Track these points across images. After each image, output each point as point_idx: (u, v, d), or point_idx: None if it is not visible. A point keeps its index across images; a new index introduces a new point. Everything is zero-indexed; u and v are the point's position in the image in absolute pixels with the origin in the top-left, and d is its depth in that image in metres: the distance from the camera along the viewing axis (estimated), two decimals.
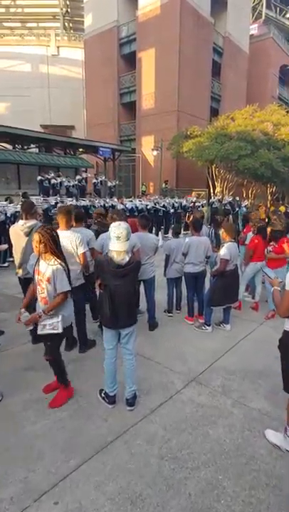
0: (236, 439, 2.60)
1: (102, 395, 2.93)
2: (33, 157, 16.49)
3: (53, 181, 14.10)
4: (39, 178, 13.94)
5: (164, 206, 12.31)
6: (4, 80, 32.63)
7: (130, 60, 24.14)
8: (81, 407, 2.90)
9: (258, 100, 21.04)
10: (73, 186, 14.67)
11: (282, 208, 14.54)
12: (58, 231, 3.47)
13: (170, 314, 5.03)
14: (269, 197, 23.14)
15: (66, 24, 41.53)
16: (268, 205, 17.37)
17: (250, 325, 4.85)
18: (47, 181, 14.05)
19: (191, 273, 4.65)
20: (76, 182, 14.89)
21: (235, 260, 4.34)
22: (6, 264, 8.09)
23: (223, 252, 4.17)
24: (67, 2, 40.68)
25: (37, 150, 19.24)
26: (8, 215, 8.51)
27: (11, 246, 4.21)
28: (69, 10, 41.27)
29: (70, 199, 11.49)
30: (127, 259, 2.52)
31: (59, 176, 14.53)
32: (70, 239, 3.48)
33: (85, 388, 3.16)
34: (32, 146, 19.00)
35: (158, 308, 4.76)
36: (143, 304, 4.40)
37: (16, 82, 32.81)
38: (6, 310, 5.02)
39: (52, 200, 11.03)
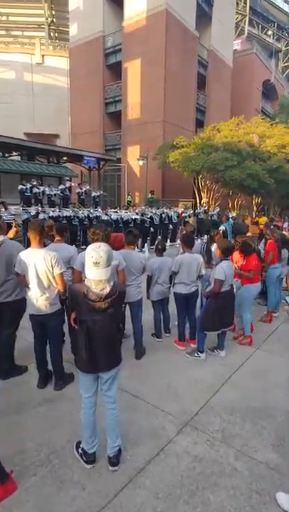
0: (243, 508, 2.13)
1: (80, 451, 2.41)
2: (14, 165, 15.88)
3: (34, 190, 13.52)
4: (20, 186, 13.33)
5: (151, 218, 11.92)
6: None
7: (116, 70, 24.05)
8: (53, 469, 2.36)
9: (241, 113, 21.23)
10: (55, 195, 14.12)
11: (262, 219, 14.45)
12: (30, 250, 2.99)
13: (159, 339, 4.55)
14: (254, 208, 23.26)
15: (51, 34, 41.43)
16: (254, 216, 17.33)
17: (246, 350, 4.43)
18: (28, 190, 13.45)
19: (183, 294, 4.21)
20: (59, 191, 14.34)
21: (230, 280, 3.93)
22: None
23: (217, 271, 3.76)
24: (53, 12, 40.68)
25: (19, 158, 18.64)
26: None
27: None
28: (54, 20, 41.27)
29: (52, 209, 10.93)
30: (109, 289, 2.05)
31: (41, 185, 13.97)
32: (44, 258, 2.98)
33: (60, 440, 2.63)
34: (14, 154, 18.40)
35: (145, 330, 4.29)
36: (128, 327, 3.93)
37: (0, 89, 32.26)
38: None
39: (32, 209, 10.44)
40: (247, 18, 42.05)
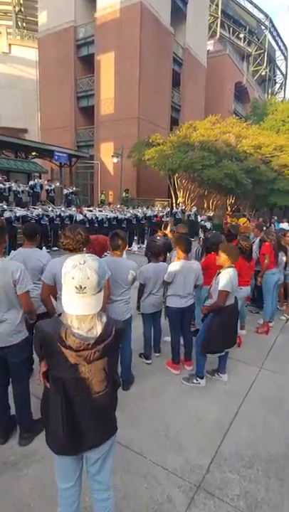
0: None
1: None
2: None
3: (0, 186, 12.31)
4: None
5: (133, 217, 11.19)
6: None
7: (88, 63, 23.03)
8: None
9: (215, 113, 21.02)
10: (23, 192, 12.97)
11: (242, 220, 14.23)
12: None
13: (148, 361, 3.83)
14: (228, 208, 23.20)
15: (19, 23, 39.37)
16: (227, 216, 17.09)
17: (248, 370, 3.83)
18: None
19: (177, 308, 3.53)
20: (27, 188, 13.20)
21: (235, 291, 3.30)
22: None
23: (222, 281, 3.10)
24: (21, 0, 38.67)
25: None
26: None
27: None
28: (22, 9, 39.24)
29: (18, 208, 9.86)
30: (101, 328, 1.31)
31: (7, 181, 12.78)
32: (2, 271, 2.17)
33: None
34: None
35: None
36: None
37: None
38: None
39: None
40: (219, 21, 42.36)
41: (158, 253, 3.79)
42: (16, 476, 2.23)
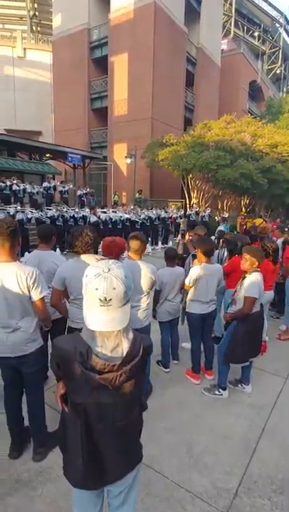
0: None
1: None
2: None
3: (14, 187, 12.37)
4: None
5: (145, 219, 11.06)
6: None
7: (102, 65, 23.04)
8: None
9: (229, 113, 20.67)
10: (38, 193, 13.00)
11: (258, 221, 13.90)
12: None
13: (167, 370, 3.65)
14: (243, 209, 22.77)
15: (34, 27, 39.92)
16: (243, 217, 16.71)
17: (273, 381, 3.60)
18: (8, 188, 12.29)
19: (199, 314, 3.33)
20: (42, 189, 13.23)
21: (261, 297, 3.08)
22: None
23: (249, 287, 2.89)
24: (35, 5, 39.19)
25: None
26: None
27: None
28: (37, 13, 39.78)
29: (32, 209, 9.84)
30: (128, 346, 1.15)
31: (22, 183, 12.83)
32: (16, 276, 2.04)
33: None
34: None
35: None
36: None
37: None
38: None
39: (11, 209, 9.35)
40: (233, 19, 41.87)
41: (173, 257, 3.61)
42: (29, 496, 2.08)
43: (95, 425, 1.16)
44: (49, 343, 3.09)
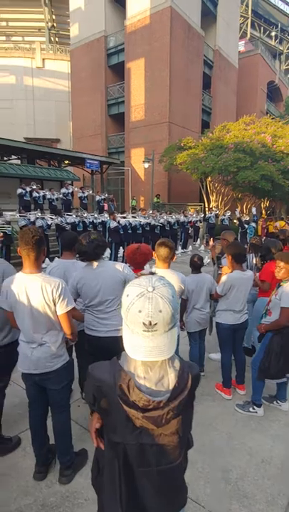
0: None
1: None
2: (13, 169, 14.90)
3: (34, 194, 12.50)
4: (19, 190, 12.33)
5: (166, 223, 10.94)
6: None
7: (118, 71, 23.22)
8: None
9: (247, 114, 20.30)
10: (57, 200, 13.10)
11: (280, 223, 13.48)
12: (20, 275, 1.93)
13: None
14: (263, 211, 22.25)
15: (52, 38, 40.88)
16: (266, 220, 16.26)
17: None
18: (28, 194, 12.44)
19: (230, 325, 3.13)
20: (61, 195, 13.33)
21: None
22: None
23: (286, 297, 2.67)
24: (53, 16, 40.15)
25: (19, 162, 17.71)
26: None
27: None
28: (55, 24, 40.73)
29: (52, 215, 9.88)
30: (175, 377, 0.99)
31: (42, 189, 12.97)
32: (41, 288, 1.92)
33: None
34: (13, 157, 17.48)
35: None
36: None
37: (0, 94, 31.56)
38: None
39: (32, 215, 9.40)
40: (249, 21, 41.44)
41: (200, 265, 3.44)
42: None
43: (136, 468, 1.00)
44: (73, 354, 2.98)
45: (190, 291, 3.29)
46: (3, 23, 42.70)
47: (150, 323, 0.89)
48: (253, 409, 2.99)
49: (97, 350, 2.44)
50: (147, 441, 0.96)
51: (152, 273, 1.00)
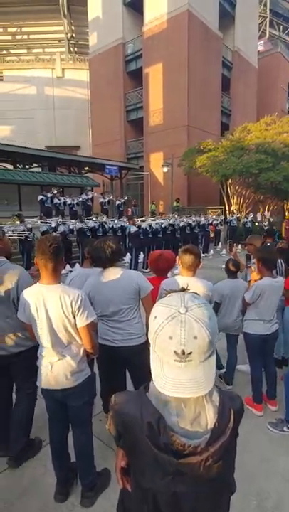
0: None
1: None
2: (34, 176, 15.23)
3: (55, 201, 12.68)
4: (40, 197, 12.54)
5: (183, 227, 10.76)
6: (10, 102, 32.39)
7: (136, 77, 23.36)
8: None
9: (268, 114, 19.82)
10: (78, 205, 13.21)
11: None
12: (38, 286, 1.83)
13: (229, 386, 3.26)
14: (286, 213, 21.57)
15: (71, 48, 41.85)
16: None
17: None
18: (49, 200, 12.63)
19: (260, 335, 2.92)
20: (81, 199, 13.44)
21: None
22: None
23: None
24: (72, 27, 41.12)
25: (40, 170, 18.09)
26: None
27: None
28: (74, 34, 41.69)
29: (73, 221, 9.95)
30: (212, 415, 0.82)
31: (62, 196, 13.13)
32: (60, 300, 1.81)
33: None
34: (34, 165, 17.86)
35: None
36: None
37: (21, 104, 32.53)
38: None
39: (53, 221, 9.49)
40: (268, 20, 40.78)
41: (236, 269, 3.26)
42: None
43: None
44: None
45: (224, 296, 3.16)
46: (25, 36, 44.24)
47: (183, 352, 0.75)
48: (288, 428, 2.76)
49: (111, 361, 2.35)
50: (182, 489, 0.81)
51: (184, 289, 0.86)
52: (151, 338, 0.81)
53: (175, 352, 0.75)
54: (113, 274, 2.24)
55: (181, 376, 0.77)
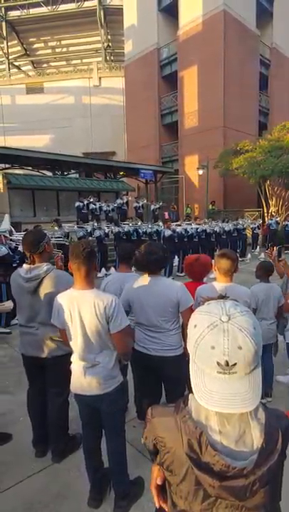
0: None
1: None
2: (72, 182, 15.72)
3: (91, 206, 13.00)
4: (77, 203, 12.93)
5: (221, 230, 10.56)
6: (49, 112, 33.91)
7: (171, 81, 23.38)
8: None
9: None
10: (113, 210, 13.43)
11: None
12: (71, 292, 1.85)
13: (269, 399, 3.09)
14: None
15: (107, 57, 42.97)
16: None
17: None
18: (85, 207, 12.98)
19: None
20: (116, 206, 13.65)
21: None
22: (8, 330, 5.25)
23: None
24: (109, 37, 42.23)
25: (77, 176, 18.68)
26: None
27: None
28: (110, 44, 42.79)
29: (108, 225, 10.12)
30: (258, 434, 0.75)
31: (98, 201, 13.43)
32: (94, 306, 1.81)
33: None
34: (72, 171, 18.46)
35: None
36: None
37: (60, 114, 33.90)
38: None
39: (88, 226, 9.72)
40: None
41: (270, 272, 3.10)
42: None
43: None
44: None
45: (259, 301, 3.00)
46: (64, 49, 46.20)
47: (227, 364, 0.70)
48: None
49: (145, 368, 2.31)
50: None
51: (223, 296, 0.80)
52: (190, 348, 0.77)
53: (218, 363, 0.71)
54: (154, 282, 2.17)
55: (224, 389, 0.71)
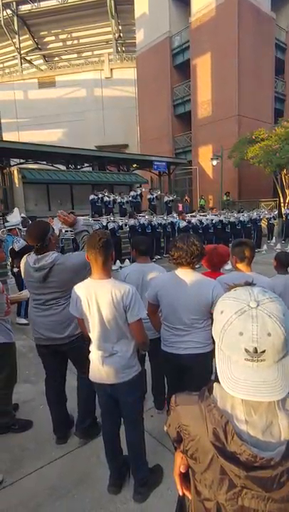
0: None
1: None
2: (86, 176, 15.81)
3: (105, 199, 13.03)
4: (91, 197, 12.99)
5: (237, 221, 10.41)
6: (62, 106, 33.95)
7: (184, 70, 22.95)
8: None
9: None
10: (127, 203, 13.43)
11: None
12: (89, 281, 1.86)
13: None
14: None
15: (119, 48, 42.49)
16: None
17: None
18: (99, 200, 13.03)
19: None
20: (130, 198, 13.63)
21: None
22: (26, 321, 5.13)
23: None
24: (120, 27, 41.69)
25: (91, 169, 18.72)
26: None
27: None
28: (121, 34, 42.25)
29: (122, 218, 10.13)
30: (287, 426, 0.72)
31: (112, 193, 13.44)
32: (111, 295, 1.82)
33: None
34: (85, 165, 18.52)
35: None
36: None
37: (72, 107, 33.88)
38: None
39: (104, 219, 9.76)
40: None
41: (287, 264, 3.02)
42: None
43: None
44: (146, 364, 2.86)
45: (277, 294, 2.91)
46: (75, 42, 45.94)
47: (256, 350, 0.68)
48: None
49: (175, 369, 2.22)
50: (249, 504, 0.74)
51: (249, 283, 0.78)
52: (217, 334, 0.75)
53: (246, 350, 0.69)
54: (188, 277, 2.02)
55: (252, 377, 0.70)
